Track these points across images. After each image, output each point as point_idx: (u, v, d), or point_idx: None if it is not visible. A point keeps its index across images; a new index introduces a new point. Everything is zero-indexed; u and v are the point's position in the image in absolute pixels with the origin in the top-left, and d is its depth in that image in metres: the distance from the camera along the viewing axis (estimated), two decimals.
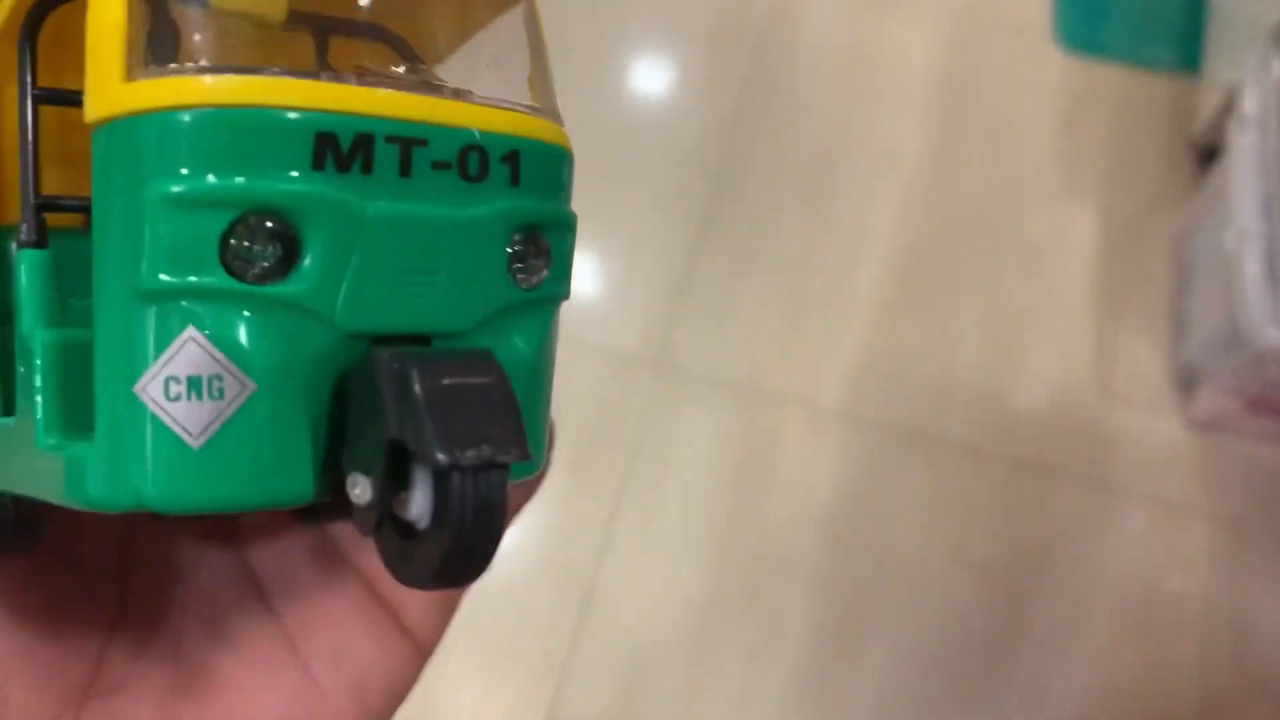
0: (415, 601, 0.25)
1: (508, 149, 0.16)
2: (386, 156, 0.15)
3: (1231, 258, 0.88)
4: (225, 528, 0.25)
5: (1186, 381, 1.02)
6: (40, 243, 0.17)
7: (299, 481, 0.16)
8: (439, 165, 0.15)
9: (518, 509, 0.25)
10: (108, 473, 0.15)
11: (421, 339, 0.16)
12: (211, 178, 0.14)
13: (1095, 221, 1.13)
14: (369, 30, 0.18)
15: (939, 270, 1.11)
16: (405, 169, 0.15)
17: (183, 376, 0.14)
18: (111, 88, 0.15)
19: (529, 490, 0.25)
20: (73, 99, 0.17)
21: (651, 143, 1.21)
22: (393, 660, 0.25)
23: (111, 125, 0.15)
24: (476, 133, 0.16)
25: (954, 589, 0.97)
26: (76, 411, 0.16)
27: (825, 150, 1.19)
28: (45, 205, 0.17)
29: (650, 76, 1.27)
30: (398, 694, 0.25)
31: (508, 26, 0.18)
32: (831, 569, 0.96)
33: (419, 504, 0.15)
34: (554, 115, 0.18)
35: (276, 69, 0.15)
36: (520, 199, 0.16)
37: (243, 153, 0.14)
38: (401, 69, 0.17)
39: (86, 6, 0.15)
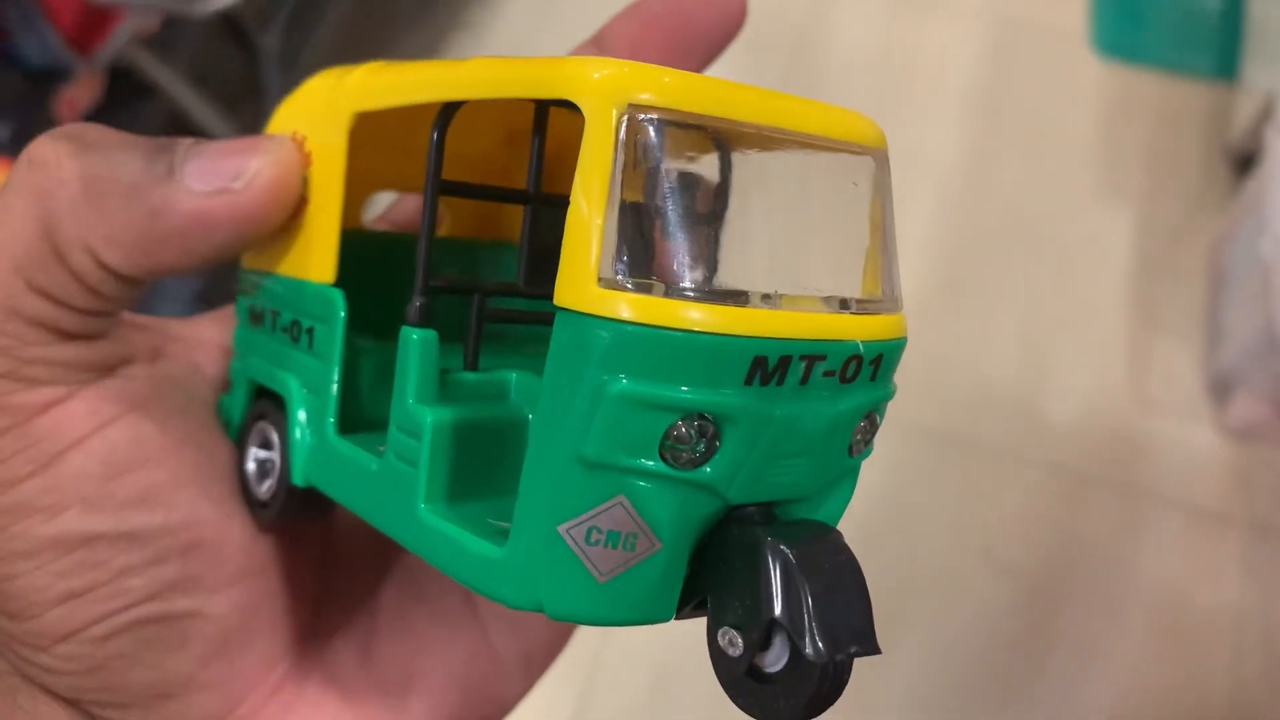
0: None
1: (876, 354, 0.19)
2: (795, 371, 0.18)
3: (1269, 264, 0.88)
4: None
5: (1221, 389, 1.02)
6: (428, 324, 0.20)
7: (667, 611, 0.19)
8: (829, 374, 0.18)
9: None
10: (517, 580, 0.18)
11: (769, 501, 0.19)
12: (665, 386, 0.17)
13: (1131, 228, 1.13)
14: None
15: (974, 275, 1.12)
16: (806, 379, 0.18)
17: (604, 529, 0.17)
18: (587, 288, 0.17)
19: None
20: (466, 191, 0.21)
21: None
22: (553, 634, 0.27)
23: (582, 318, 0.17)
24: (860, 345, 0.18)
25: (985, 592, 0.97)
26: (454, 485, 0.20)
27: None
28: (436, 289, 0.20)
29: None
30: (548, 666, 0.27)
31: (859, 200, 0.21)
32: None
33: (775, 658, 0.18)
34: (900, 301, 0.20)
35: (724, 293, 0.17)
36: (874, 391, 0.19)
37: (694, 368, 0.17)
38: (810, 288, 0.19)
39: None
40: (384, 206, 0.30)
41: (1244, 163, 1.11)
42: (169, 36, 0.81)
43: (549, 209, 0.21)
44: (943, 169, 1.17)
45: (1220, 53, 1.20)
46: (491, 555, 0.18)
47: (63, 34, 0.73)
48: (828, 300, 0.19)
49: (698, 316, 0.17)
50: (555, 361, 0.17)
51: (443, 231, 0.28)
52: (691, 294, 0.17)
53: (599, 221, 0.17)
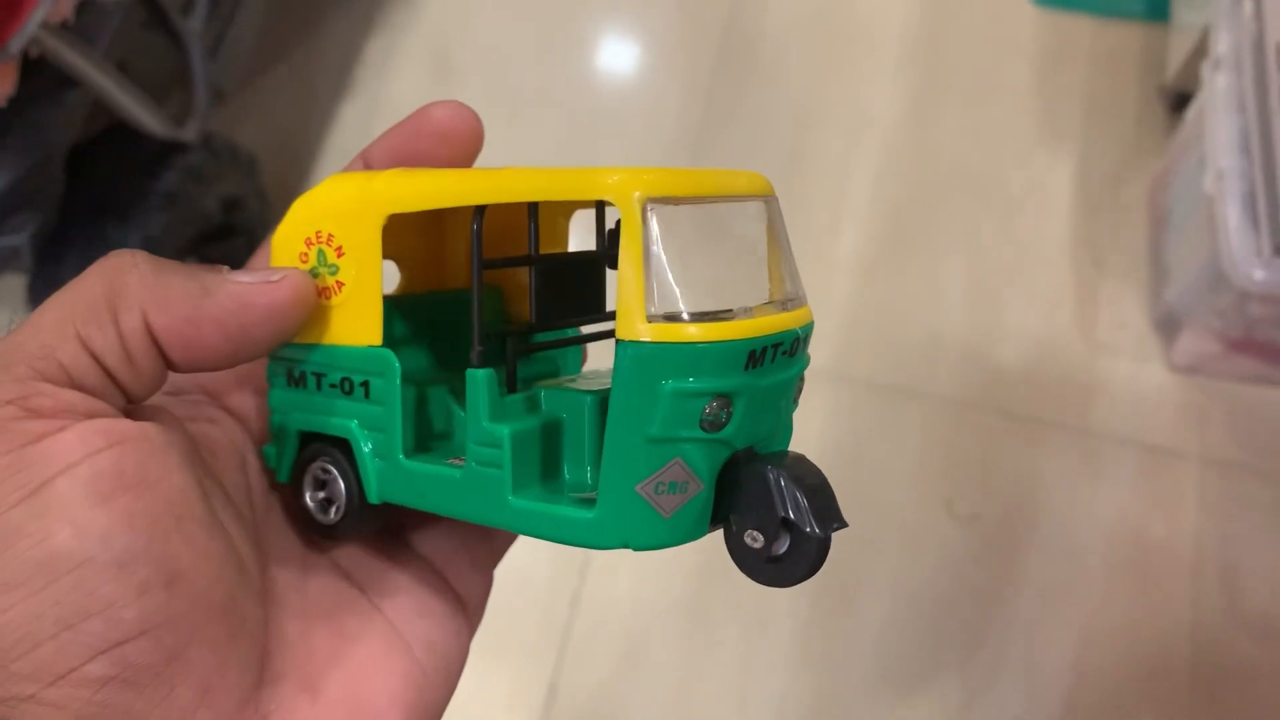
0: (460, 574, 0.31)
1: (804, 334, 0.27)
2: (770, 355, 0.26)
3: (1211, 199, 0.89)
4: (314, 541, 0.30)
5: (1168, 326, 1.03)
6: (486, 364, 0.27)
7: (701, 530, 0.26)
8: (785, 353, 0.26)
9: None
10: (608, 531, 0.25)
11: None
12: (696, 381, 0.25)
13: (1072, 172, 1.14)
14: None
15: (919, 228, 1.12)
16: (775, 357, 0.26)
17: (667, 482, 0.25)
18: (637, 323, 0.24)
19: None
20: (500, 263, 0.29)
21: (629, 111, 1.20)
22: (463, 642, 0.30)
23: (639, 345, 0.24)
24: (799, 330, 0.27)
25: (947, 541, 0.98)
26: (529, 475, 0.27)
27: (802, 114, 1.18)
28: (486, 336, 0.28)
29: (626, 46, 1.27)
30: (461, 672, 0.31)
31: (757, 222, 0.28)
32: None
33: (782, 544, 0.26)
34: (804, 296, 0.28)
35: (718, 312, 0.25)
36: (802, 360, 0.28)
37: (713, 365, 0.25)
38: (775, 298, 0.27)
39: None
40: None
41: (1180, 101, 1.12)
42: (86, 23, 0.79)
43: (544, 268, 0.29)
44: (884, 125, 1.17)
45: None
46: (585, 517, 0.25)
47: None
48: (774, 304, 0.27)
49: (713, 331, 0.25)
50: (622, 376, 0.25)
51: (400, 289, 0.34)
52: (697, 317, 0.25)
53: (639, 280, 0.24)
